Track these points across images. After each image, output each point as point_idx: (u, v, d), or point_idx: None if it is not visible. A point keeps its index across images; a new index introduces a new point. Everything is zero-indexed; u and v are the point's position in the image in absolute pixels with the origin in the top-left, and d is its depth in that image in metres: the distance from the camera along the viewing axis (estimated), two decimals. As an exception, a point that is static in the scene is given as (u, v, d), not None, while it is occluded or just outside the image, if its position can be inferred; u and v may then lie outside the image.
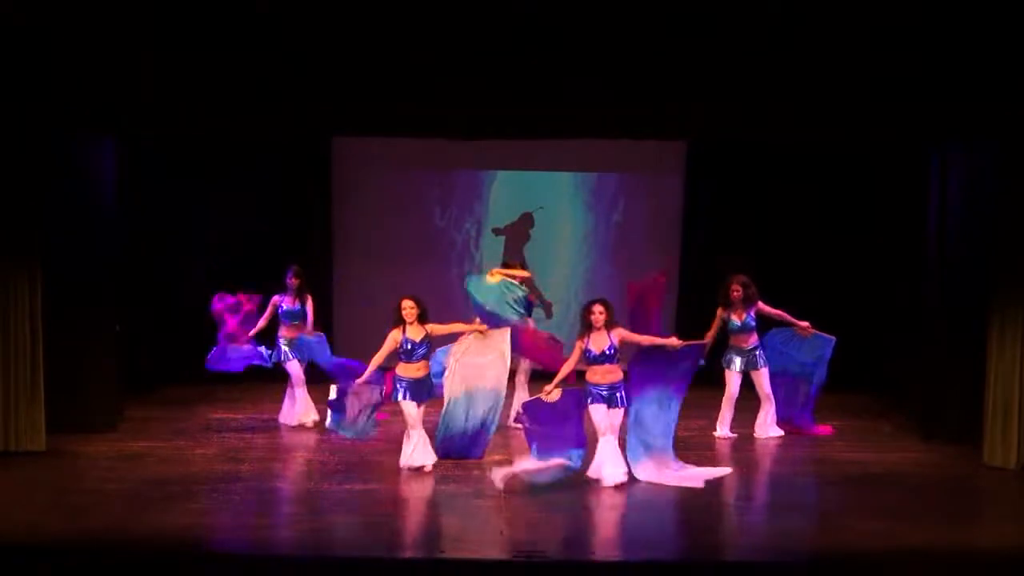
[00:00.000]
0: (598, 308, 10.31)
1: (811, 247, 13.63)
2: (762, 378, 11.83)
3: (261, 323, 12.05)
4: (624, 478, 10.28)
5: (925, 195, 11.85)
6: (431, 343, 10.71)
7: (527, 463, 10.10)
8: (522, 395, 12.00)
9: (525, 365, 12.16)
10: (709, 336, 11.68)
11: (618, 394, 10.33)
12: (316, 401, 12.13)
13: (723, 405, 11.94)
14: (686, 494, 10.18)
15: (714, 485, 10.38)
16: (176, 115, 10.64)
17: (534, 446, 10.31)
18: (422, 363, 10.65)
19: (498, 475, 10.00)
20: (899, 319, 12.95)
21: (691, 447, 11.42)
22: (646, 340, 10.56)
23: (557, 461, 10.07)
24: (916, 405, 12.18)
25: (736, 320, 11.76)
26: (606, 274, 14.49)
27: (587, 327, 10.33)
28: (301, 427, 12.13)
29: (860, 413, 12.62)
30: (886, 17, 10.32)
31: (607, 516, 9.79)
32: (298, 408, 12.20)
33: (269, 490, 10.15)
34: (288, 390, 12.24)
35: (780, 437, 11.88)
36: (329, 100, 10.60)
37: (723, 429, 11.96)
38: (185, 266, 13.84)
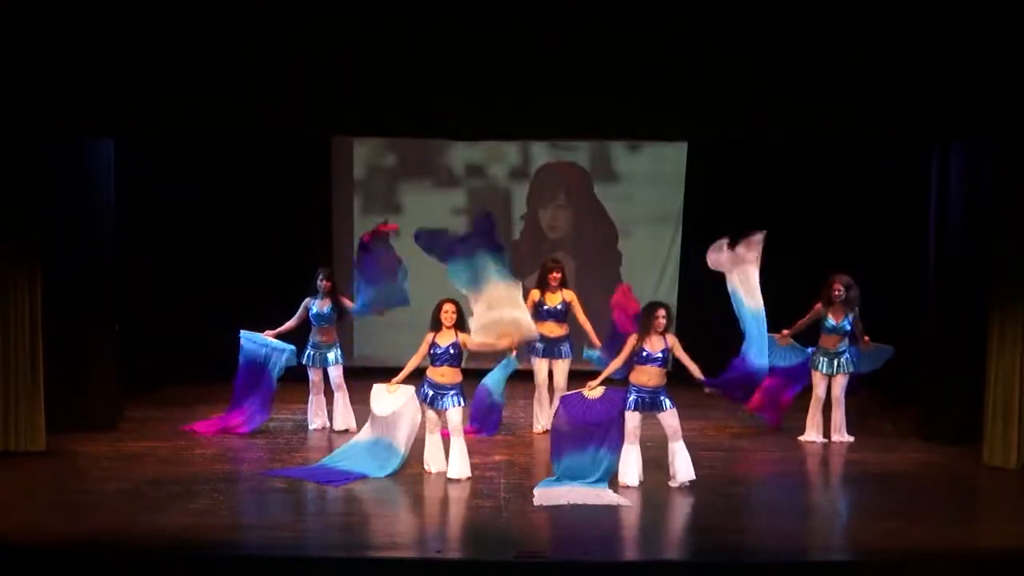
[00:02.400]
0: (662, 312, 10.29)
1: (811, 247, 13.61)
2: (839, 383, 11.71)
3: (291, 324, 11.94)
4: (638, 483, 10.31)
5: (925, 195, 11.85)
6: (461, 351, 10.61)
7: (575, 493, 9.97)
8: (544, 402, 11.94)
9: (558, 367, 11.97)
10: (801, 323, 11.68)
11: (661, 397, 10.30)
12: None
13: (810, 408, 11.81)
14: (686, 495, 10.18)
15: (714, 486, 10.38)
16: (176, 115, 10.62)
17: (559, 453, 10.22)
18: (446, 368, 10.56)
19: (542, 496, 9.91)
20: (899, 319, 12.94)
21: (691, 447, 11.38)
22: (686, 359, 10.47)
23: (606, 496, 9.98)
24: (916, 405, 12.18)
25: (832, 320, 11.61)
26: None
27: (646, 330, 10.30)
28: (312, 429, 12.13)
29: (860, 413, 12.60)
30: (886, 16, 10.32)
31: (608, 516, 9.78)
32: (311, 412, 12.20)
33: (269, 490, 10.15)
34: (334, 395, 12.17)
35: (849, 443, 11.77)
36: (329, 100, 10.59)
37: (810, 434, 11.83)
38: (185, 266, 13.82)
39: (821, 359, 11.73)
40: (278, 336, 11.91)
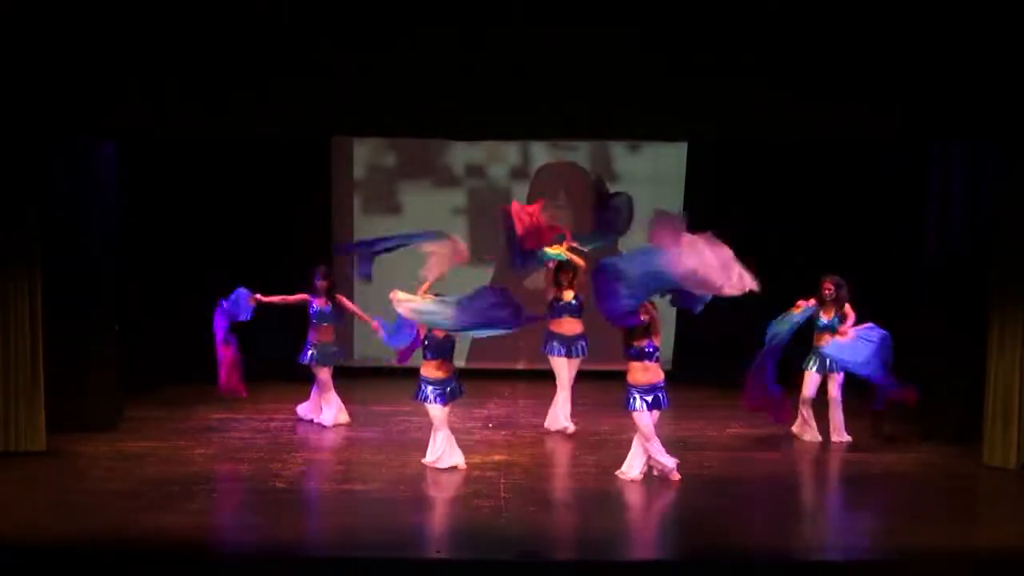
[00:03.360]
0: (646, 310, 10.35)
1: (811, 247, 13.61)
2: (835, 382, 11.72)
3: (281, 299, 11.95)
4: (639, 476, 10.37)
5: (925, 195, 11.85)
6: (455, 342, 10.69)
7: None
8: (565, 398, 11.88)
9: (571, 365, 11.94)
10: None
11: (659, 394, 10.32)
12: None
13: (800, 406, 11.82)
14: (686, 494, 10.19)
15: (714, 486, 10.39)
16: (176, 116, 10.62)
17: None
18: (439, 362, 10.57)
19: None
20: (899, 319, 12.94)
21: (690, 447, 11.42)
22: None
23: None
24: (916, 405, 12.16)
25: (824, 319, 11.64)
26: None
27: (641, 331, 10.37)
28: (333, 426, 12.12)
29: (860, 413, 12.60)
30: (887, 16, 10.32)
31: (607, 516, 9.79)
32: (333, 410, 12.17)
33: (269, 490, 10.15)
34: (315, 393, 12.21)
35: (848, 442, 11.79)
36: (329, 100, 10.59)
37: (800, 428, 11.86)
38: (185, 266, 13.82)
39: (814, 358, 11.73)
40: (260, 304, 11.89)
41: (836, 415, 11.80)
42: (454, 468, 10.63)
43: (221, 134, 12.03)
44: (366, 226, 14.46)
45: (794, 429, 11.87)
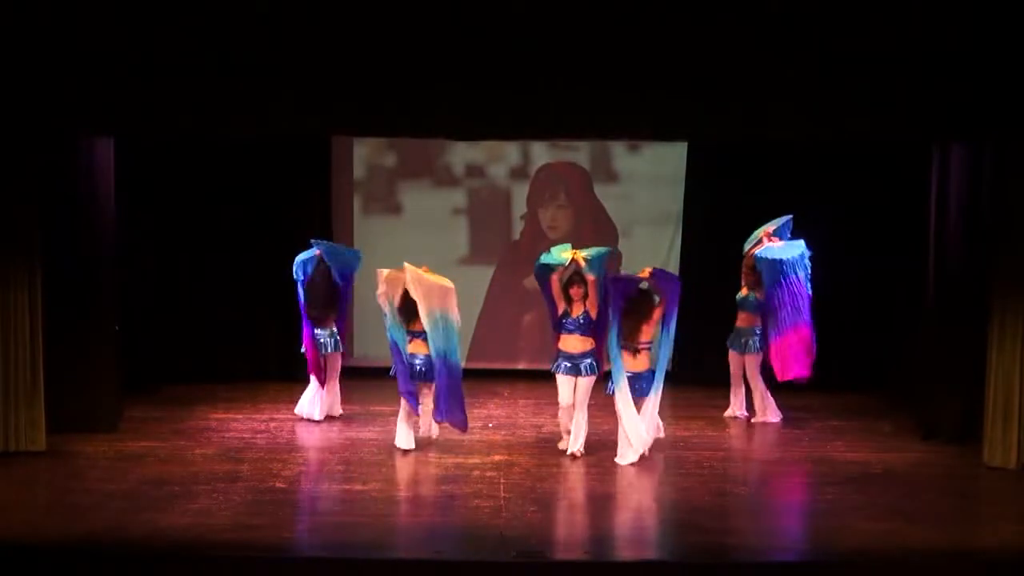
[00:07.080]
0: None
1: (810, 247, 13.60)
2: (753, 363, 12.09)
3: None
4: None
5: (925, 193, 11.85)
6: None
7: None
8: (580, 414, 11.42)
9: (566, 395, 11.42)
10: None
11: (637, 383, 10.79)
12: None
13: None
14: (686, 494, 10.19)
15: (713, 486, 10.39)
16: (176, 115, 10.63)
17: None
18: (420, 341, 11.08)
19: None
20: (899, 319, 12.94)
21: (691, 447, 11.43)
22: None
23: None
24: (916, 405, 12.18)
25: (742, 293, 12.22)
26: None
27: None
28: (324, 419, 12.27)
29: (860, 413, 12.61)
30: (887, 16, 10.32)
31: (607, 516, 9.79)
32: (332, 400, 12.39)
33: (269, 490, 10.15)
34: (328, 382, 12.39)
35: (776, 424, 12.13)
36: (329, 100, 10.60)
37: (732, 410, 12.36)
38: (185, 266, 13.82)
39: (733, 336, 12.29)
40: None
41: (755, 396, 12.10)
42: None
43: (221, 133, 12.03)
44: (366, 226, 14.48)
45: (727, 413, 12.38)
